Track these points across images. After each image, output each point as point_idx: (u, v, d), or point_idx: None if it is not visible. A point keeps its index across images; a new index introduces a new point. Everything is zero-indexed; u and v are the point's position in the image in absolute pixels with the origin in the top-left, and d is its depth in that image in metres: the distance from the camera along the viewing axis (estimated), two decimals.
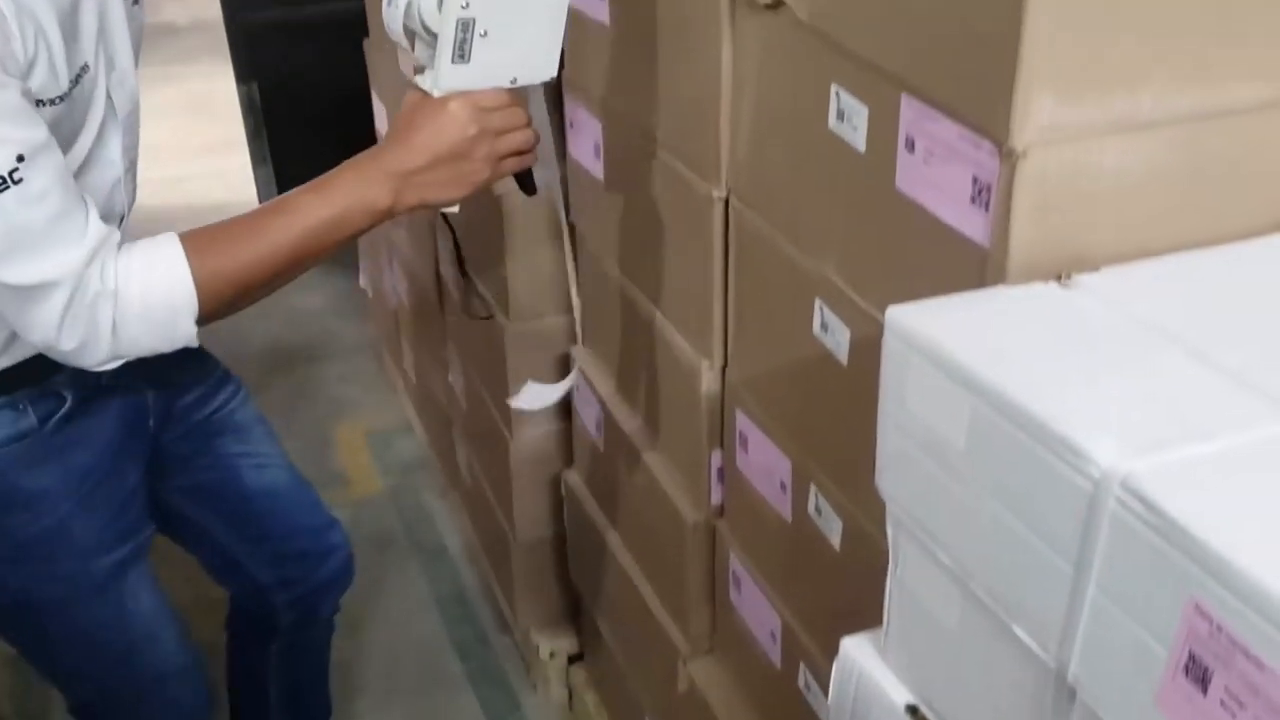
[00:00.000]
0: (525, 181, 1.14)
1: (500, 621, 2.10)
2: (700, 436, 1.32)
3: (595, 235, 1.53)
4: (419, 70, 1.07)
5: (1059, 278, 0.80)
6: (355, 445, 2.62)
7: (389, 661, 2.07)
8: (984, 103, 0.79)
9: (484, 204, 1.69)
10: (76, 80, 1.03)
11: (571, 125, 1.52)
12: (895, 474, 0.80)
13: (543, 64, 1.07)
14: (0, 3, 0.91)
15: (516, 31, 1.03)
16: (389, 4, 1.06)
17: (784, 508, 1.19)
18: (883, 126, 0.91)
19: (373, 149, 1.08)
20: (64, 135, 1.02)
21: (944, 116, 0.84)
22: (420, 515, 2.39)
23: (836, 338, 1.04)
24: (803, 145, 1.03)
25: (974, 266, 0.84)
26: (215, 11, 3.14)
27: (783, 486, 1.19)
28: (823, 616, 1.18)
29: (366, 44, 2.39)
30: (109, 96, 1.10)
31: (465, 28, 1.01)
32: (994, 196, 0.80)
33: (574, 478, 1.75)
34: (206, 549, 1.45)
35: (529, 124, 1.09)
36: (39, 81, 0.97)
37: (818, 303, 1.06)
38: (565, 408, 1.75)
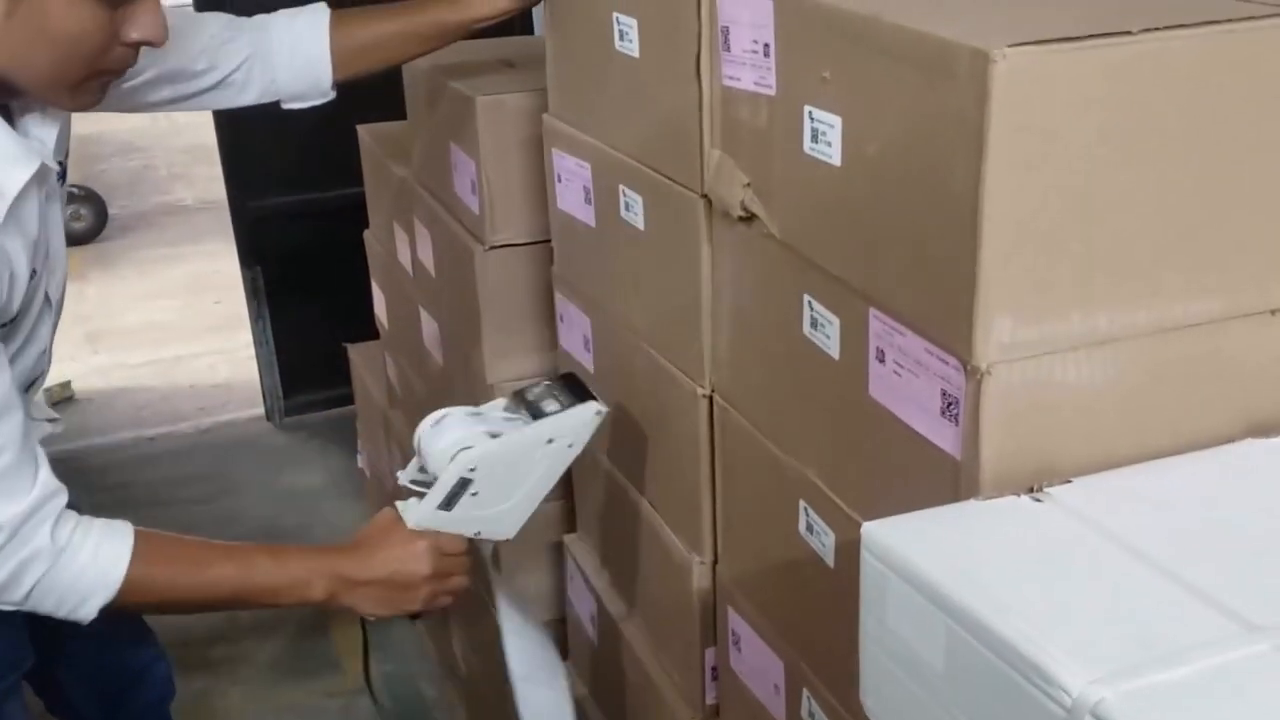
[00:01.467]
0: (417, 613, 1.23)
1: None
2: (693, 634, 1.31)
3: None
4: (404, 491, 1.17)
5: (1031, 489, 0.81)
6: (351, 630, 2.58)
7: None
8: (947, 322, 0.82)
9: (475, 395, 1.72)
10: (26, 290, 1.08)
11: (562, 319, 1.56)
12: (879, 693, 0.79)
13: (508, 527, 1.21)
14: None
15: (501, 500, 1.17)
16: (420, 444, 1.17)
17: (778, 711, 1.17)
18: (854, 337, 0.94)
19: (337, 547, 1.18)
20: (4, 334, 1.06)
21: (911, 332, 0.87)
22: (417, 705, 2.34)
23: (822, 540, 1.05)
24: (780, 349, 1.06)
25: (948, 476, 0.85)
26: (222, 192, 3.25)
27: (776, 689, 1.17)
28: None
29: (367, 234, 2.47)
30: (46, 289, 1.15)
31: (462, 485, 1.14)
32: (963, 410, 0.82)
33: (569, 671, 1.72)
34: (39, 681, 1.52)
35: (469, 571, 1.20)
36: None
37: (802, 504, 1.07)
38: (560, 598, 1.74)
